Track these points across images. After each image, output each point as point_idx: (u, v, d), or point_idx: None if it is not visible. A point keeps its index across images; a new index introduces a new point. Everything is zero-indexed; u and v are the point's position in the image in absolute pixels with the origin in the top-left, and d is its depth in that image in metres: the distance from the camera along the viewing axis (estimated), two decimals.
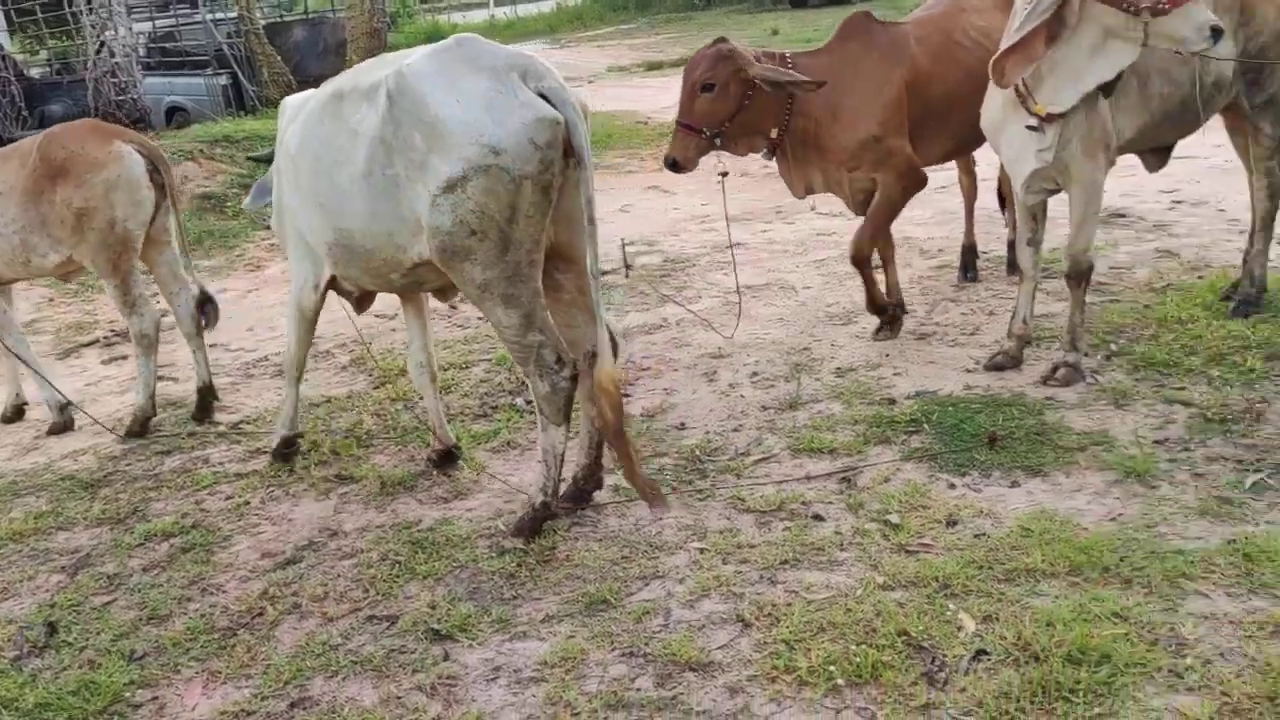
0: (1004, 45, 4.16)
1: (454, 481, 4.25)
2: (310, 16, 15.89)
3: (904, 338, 5.27)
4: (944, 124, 4.95)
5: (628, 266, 6.77)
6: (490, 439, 4.59)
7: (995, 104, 4.45)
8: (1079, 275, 4.50)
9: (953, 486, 3.78)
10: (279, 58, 12.87)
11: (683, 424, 4.55)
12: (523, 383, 5.16)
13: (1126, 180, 7.66)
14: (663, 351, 5.44)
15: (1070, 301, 4.56)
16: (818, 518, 3.65)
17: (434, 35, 35.04)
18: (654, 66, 19.79)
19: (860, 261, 5.05)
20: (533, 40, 30.05)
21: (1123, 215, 6.89)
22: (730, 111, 4.74)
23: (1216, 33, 3.80)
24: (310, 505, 4.21)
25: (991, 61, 4.14)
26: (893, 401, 4.52)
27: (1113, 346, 4.78)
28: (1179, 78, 4.46)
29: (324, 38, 13.69)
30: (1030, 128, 4.29)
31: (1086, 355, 4.65)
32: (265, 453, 4.65)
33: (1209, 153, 7.45)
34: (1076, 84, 4.12)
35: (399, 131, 3.45)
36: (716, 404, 4.72)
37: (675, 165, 4.83)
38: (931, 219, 7.42)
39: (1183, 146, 5.00)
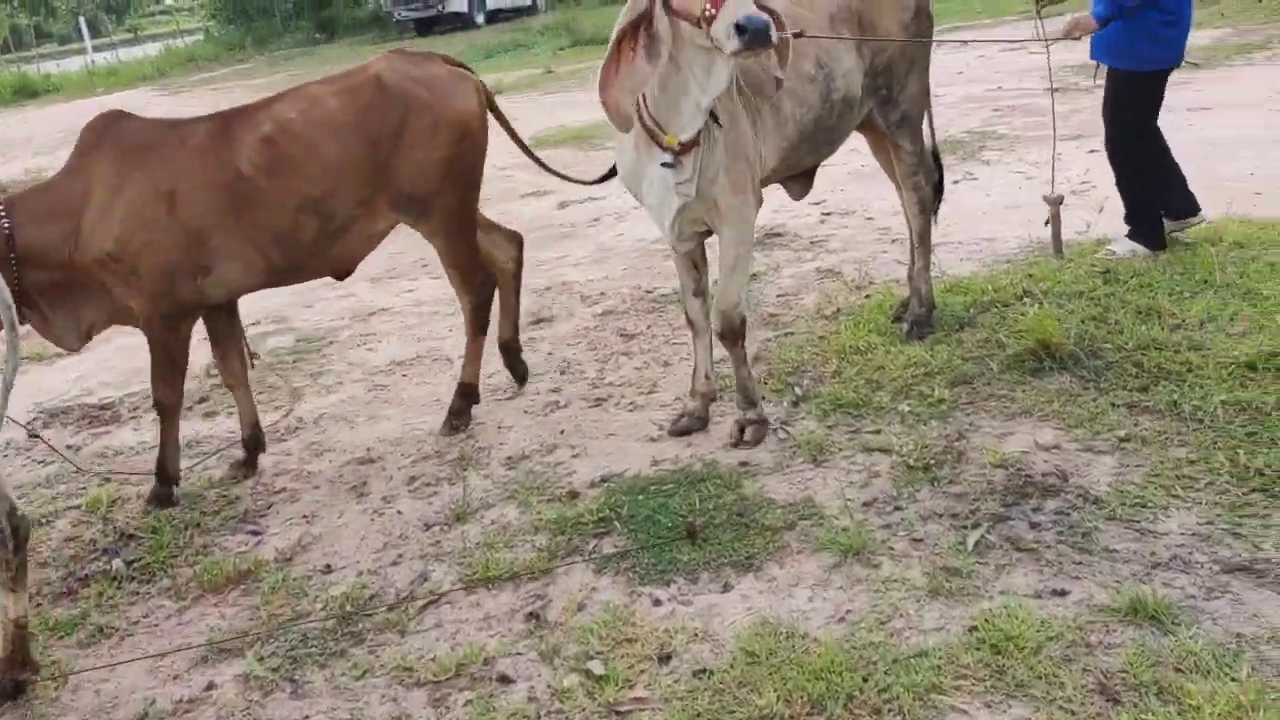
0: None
1: (27, 701, 3.19)
2: None
3: (577, 405, 4.68)
4: (238, 240, 4.05)
5: (253, 355, 5.77)
6: (76, 627, 3.53)
7: (628, 151, 3.93)
8: (733, 333, 4.03)
9: (658, 603, 3.19)
10: None
11: (329, 565, 3.70)
12: (124, 535, 4.12)
13: (775, 194, 7.54)
14: (300, 464, 4.54)
15: (732, 360, 4.12)
16: (505, 679, 2.94)
17: (21, 88, 31.40)
18: None
19: (165, 411, 4.24)
20: (139, 88, 27.48)
21: (779, 234, 6.69)
22: None
23: (743, 31, 3.29)
24: None
25: (599, 91, 3.61)
26: (575, 495, 3.90)
27: (797, 390, 4.40)
28: (807, 97, 4.12)
29: None
30: (666, 165, 3.78)
31: (767, 400, 4.26)
32: None
33: (847, 158, 7.45)
34: (696, 106, 3.66)
35: None
36: (369, 529, 3.91)
37: None
38: (588, 257, 6.93)
39: None
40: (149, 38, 45.39)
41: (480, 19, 28.29)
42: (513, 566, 3.46)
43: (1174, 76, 5.20)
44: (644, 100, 3.73)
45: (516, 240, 4.88)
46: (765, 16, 3.34)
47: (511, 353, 4.93)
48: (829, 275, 5.78)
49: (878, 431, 4.00)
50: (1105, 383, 4.04)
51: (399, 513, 3.98)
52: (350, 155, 4.11)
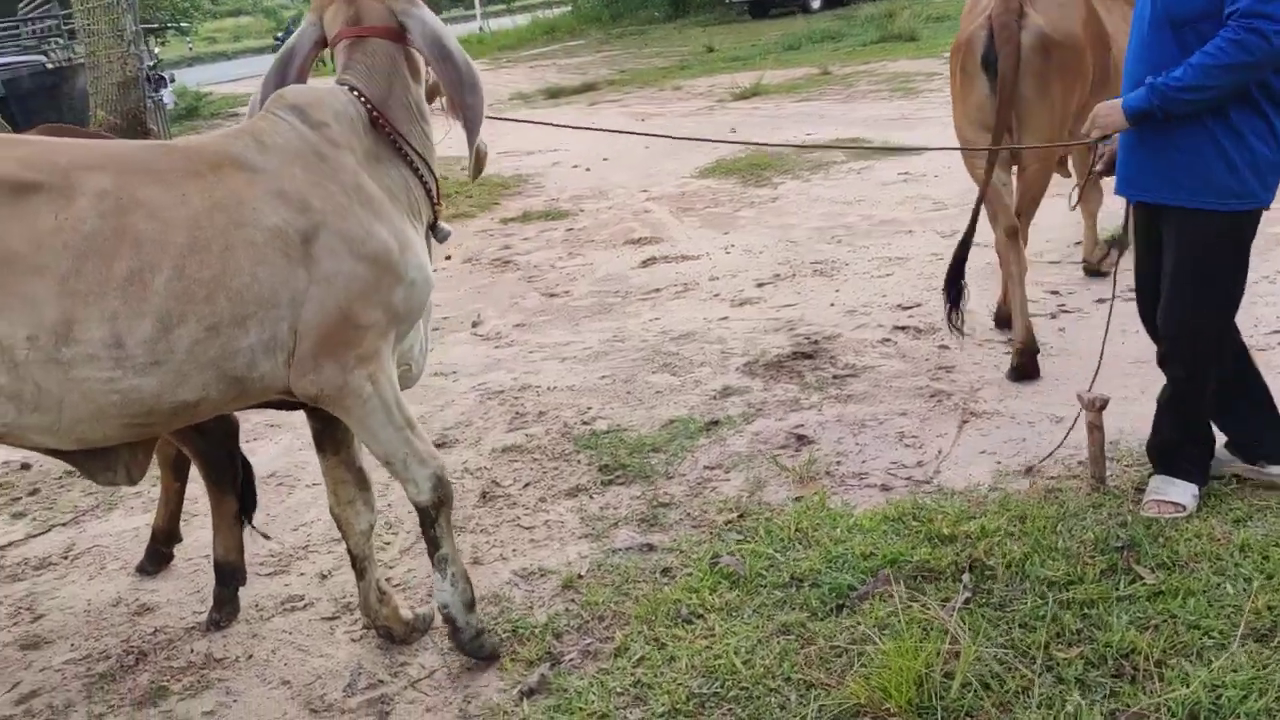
0: None
1: None
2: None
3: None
4: None
5: None
6: None
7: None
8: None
9: None
10: None
11: None
12: None
13: (809, 289, 5.88)
14: None
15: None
16: None
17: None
18: (554, 94, 18.01)
19: None
20: (477, 61, 28.33)
21: (809, 355, 5.00)
22: None
23: None
24: None
25: None
26: None
27: (540, 672, 2.95)
28: None
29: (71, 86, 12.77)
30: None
31: (504, 674, 2.89)
32: None
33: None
34: None
35: None
36: None
37: None
38: (586, 352, 5.58)
39: None
40: (540, 4, 46.83)
41: (815, 3, 26.62)
42: None
43: None
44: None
45: None
46: None
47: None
48: (798, 445, 4.13)
49: None
50: None
51: None
52: None
